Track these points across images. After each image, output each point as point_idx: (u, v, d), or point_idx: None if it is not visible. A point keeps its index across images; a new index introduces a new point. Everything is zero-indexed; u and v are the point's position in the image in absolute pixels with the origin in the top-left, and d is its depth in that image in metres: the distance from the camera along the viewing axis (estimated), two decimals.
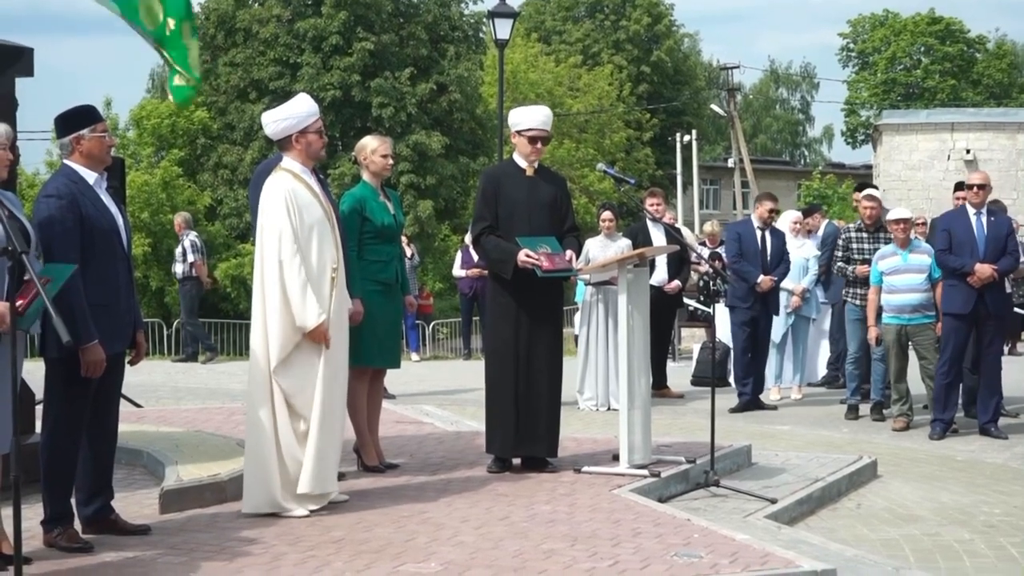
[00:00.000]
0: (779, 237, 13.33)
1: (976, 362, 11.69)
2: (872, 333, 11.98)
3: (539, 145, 8.51)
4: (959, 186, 12.82)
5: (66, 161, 6.32)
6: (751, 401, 13.15)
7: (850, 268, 12.62)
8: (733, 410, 12.80)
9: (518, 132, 8.53)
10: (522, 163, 8.54)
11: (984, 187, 11.44)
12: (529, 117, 8.57)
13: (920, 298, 11.70)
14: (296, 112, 7.27)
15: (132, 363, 6.64)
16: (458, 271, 20.58)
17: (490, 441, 8.46)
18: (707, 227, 18.88)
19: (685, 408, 13.26)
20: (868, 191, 13.38)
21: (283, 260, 6.92)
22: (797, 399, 13.91)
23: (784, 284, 13.55)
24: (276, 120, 7.29)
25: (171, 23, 9.04)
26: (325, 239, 7.11)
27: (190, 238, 19.31)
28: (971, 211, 11.41)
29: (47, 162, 37.55)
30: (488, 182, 8.63)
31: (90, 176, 6.27)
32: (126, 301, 6.39)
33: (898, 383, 11.91)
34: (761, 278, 12.85)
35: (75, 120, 6.34)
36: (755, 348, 13.22)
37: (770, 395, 13.78)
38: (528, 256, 8.10)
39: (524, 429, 8.28)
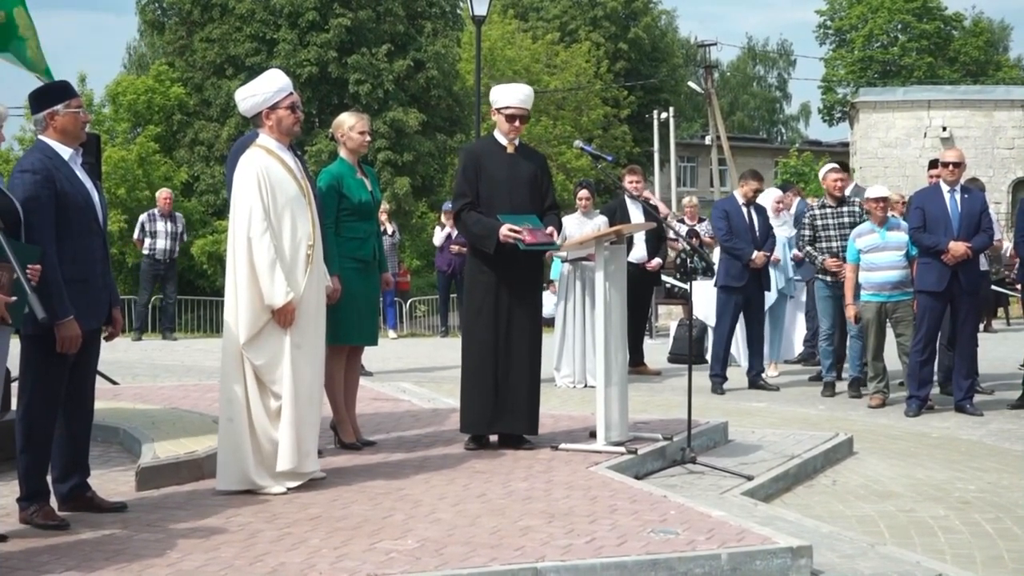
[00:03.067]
0: (763, 213, 13.25)
1: (951, 339, 11.74)
2: (850, 311, 12.01)
3: (517, 123, 8.46)
4: (933, 164, 12.84)
5: (41, 137, 6.28)
6: (753, 381, 13.10)
7: (819, 258, 12.62)
8: (714, 392, 12.69)
9: (497, 110, 8.50)
10: (502, 140, 8.51)
11: (959, 165, 11.47)
12: (508, 95, 8.54)
13: (900, 275, 11.75)
14: (264, 88, 7.20)
15: (108, 339, 6.62)
16: (438, 239, 20.57)
17: (465, 419, 8.40)
18: (685, 201, 18.95)
19: (662, 385, 13.29)
20: (832, 165, 13.53)
21: (252, 238, 6.87)
22: (774, 376, 13.94)
23: None
24: (245, 97, 7.25)
25: (1, 15, 8.69)
26: (300, 216, 7.05)
27: (181, 218, 19.56)
28: (945, 189, 11.44)
29: (17, 137, 37.33)
30: (468, 159, 8.58)
31: (65, 152, 6.23)
32: (102, 277, 6.37)
33: (876, 360, 11.95)
34: (756, 254, 12.75)
35: (49, 96, 6.30)
36: (752, 327, 13.15)
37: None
38: (511, 230, 8.09)
39: (502, 406, 8.26)
